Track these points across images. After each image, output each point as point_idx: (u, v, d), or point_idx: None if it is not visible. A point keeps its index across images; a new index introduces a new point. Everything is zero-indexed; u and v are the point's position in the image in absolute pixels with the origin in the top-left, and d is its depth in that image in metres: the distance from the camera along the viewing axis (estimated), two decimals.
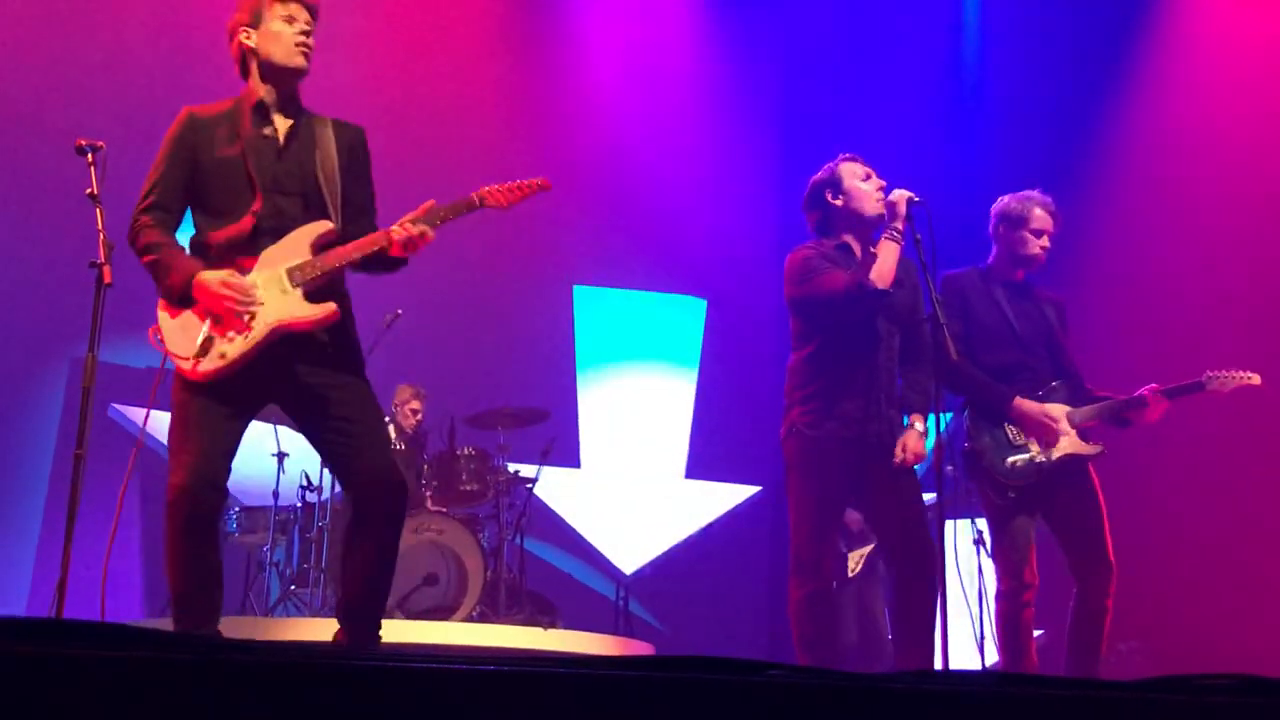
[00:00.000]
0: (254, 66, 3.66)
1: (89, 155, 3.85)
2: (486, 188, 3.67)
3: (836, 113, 8.89)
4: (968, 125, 8.69)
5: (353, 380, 3.57)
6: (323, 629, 5.73)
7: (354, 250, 3.51)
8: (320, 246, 3.53)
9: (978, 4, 8.97)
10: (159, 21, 7.75)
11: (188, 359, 3.46)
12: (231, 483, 7.77)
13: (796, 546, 4.60)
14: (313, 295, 3.50)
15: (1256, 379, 4.86)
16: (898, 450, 4.52)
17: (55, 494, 7.10)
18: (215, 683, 1.87)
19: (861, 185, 4.66)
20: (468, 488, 6.73)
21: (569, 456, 8.56)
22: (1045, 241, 5.04)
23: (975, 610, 4.83)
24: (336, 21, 8.27)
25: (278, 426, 6.64)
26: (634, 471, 8.91)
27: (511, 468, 7.00)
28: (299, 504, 6.60)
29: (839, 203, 4.68)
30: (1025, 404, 4.86)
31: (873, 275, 4.47)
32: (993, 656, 5.03)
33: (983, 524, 5.32)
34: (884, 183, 4.67)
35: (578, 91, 9.10)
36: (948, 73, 9.00)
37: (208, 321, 3.47)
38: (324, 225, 3.55)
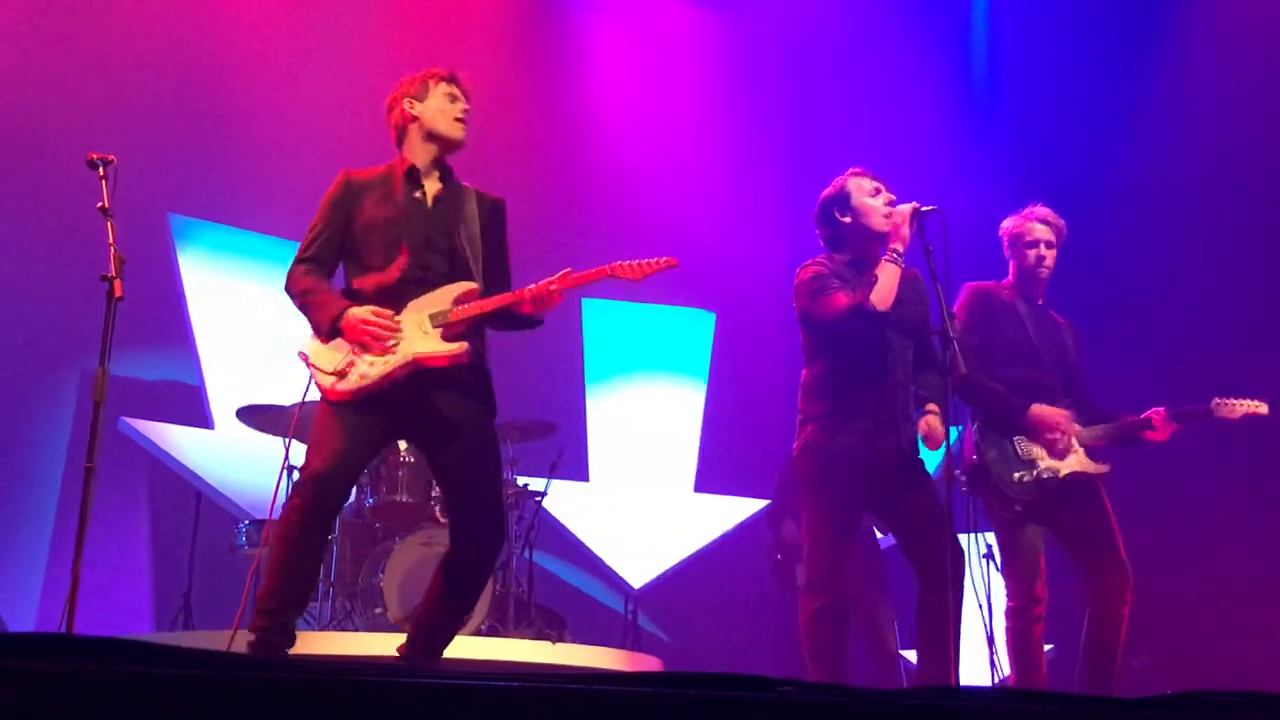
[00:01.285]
0: (413, 133, 4.01)
1: (100, 169, 3.90)
2: (620, 262, 3.92)
3: (845, 126, 8.88)
4: (977, 137, 8.67)
5: (482, 423, 3.88)
6: (331, 643, 5.73)
7: (491, 303, 3.81)
8: (461, 302, 3.82)
9: (985, 16, 8.97)
10: (170, 36, 7.78)
11: (330, 375, 3.74)
12: (242, 496, 7.77)
13: (810, 562, 4.58)
14: (450, 339, 3.79)
15: (1264, 408, 4.89)
16: (921, 426, 4.51)
17: (65, 507, 7.09)
18: (224, 698, 1.87)
19: (869, 201, 4.66)
20: None
21: (578, 470, 8.54)
22: (1042, 250, 5.06)
23: (986, 625, 4.81)
24: (349, 38, 8.32)
25: (288, 440, 6.64)
26: (643, 485, 8.89)
27: (520, 481, 6.98)
28: None
29: (847, 220, 4.68)
30: (1041, 408, 4.86)
31: (873, 298, 4.46)
32: (1003, 672, 5.01)
33: (992, 539, 5.31)
34: (893, 197, 4.66)
35: (585, 105, 9.12)
36: (957, 85, 8.99)
37: (350, 348, 3.76)
38: (469, 285, 3.85)
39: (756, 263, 9.18)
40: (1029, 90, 8.50)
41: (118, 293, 3.78)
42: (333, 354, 3.77)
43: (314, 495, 3.65)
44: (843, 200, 4.69)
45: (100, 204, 3.85)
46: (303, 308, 3.89)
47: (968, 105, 8.91)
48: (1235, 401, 4.90)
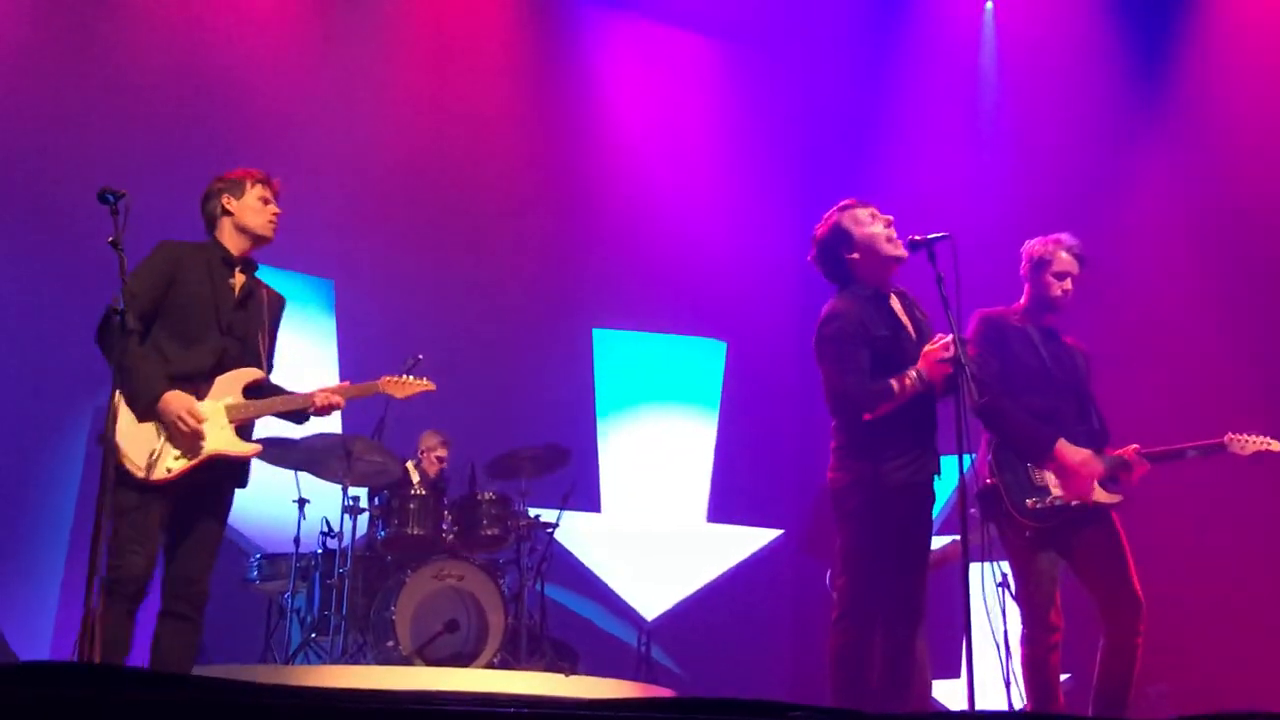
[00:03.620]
0: (226, 225, 4.35)
1: (112, 203, 3.91)
2: (386, 378, 4.64)
3: (856, 154, 8.91)
4: (986, 161, 8.68)
5: (225, 498, 4.26)
6: (344, 677, 5.71)
7: (280, 404, 4.31)
8: (249, 389, 4.25)
9: (993, 41, 9.00)
10: (183, 69, 7.84)
11: (140, 469, 4.01)
12: (253, 529, 7.79)
13: (853, 592, 4.50)
14: (241, 431, 4.23)
15: (1276, 445, 4.89)
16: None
17: (78, 540, 7.10)
18: None
19: (871, 230, 4.60)
20: (489, 533, 6.70)
21: (589, 501, 8.53)
22: (1068, 285, 5.02)
23: (1002, 654, 4.77)
24: (364, 71, 8.38)
25: (298, 473, 6.64)
26: (655, 516, 8.87)
27: (532, 512, 6.97)
28: (320, 550, 6.58)
29: (856, 257, 4.61)
30: (1065, 449, 4.82)
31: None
32: (1020, 701, 4.96)
33: (1007, 567, 5.27)
34: (891, 217, 4.63)
35: (597, 135, 9.16)
36: (965, 112, 9.00)
37: (161, 439, 4.05)
38: (256, 373, 4.30)
39: (767, 292, 9.19)
40: (1038, 114, 8.51)
41: (129, 326, 3.80)
42: (141, 443, 4.02)
43: (134, 598, 3.97)
44: (844, 238, 4.61)
45: (111, 238, 3.87)
46: (121, 370, 4.00)
47: (976, 130, 8.91)
48: (1247, 437, 4.90)
